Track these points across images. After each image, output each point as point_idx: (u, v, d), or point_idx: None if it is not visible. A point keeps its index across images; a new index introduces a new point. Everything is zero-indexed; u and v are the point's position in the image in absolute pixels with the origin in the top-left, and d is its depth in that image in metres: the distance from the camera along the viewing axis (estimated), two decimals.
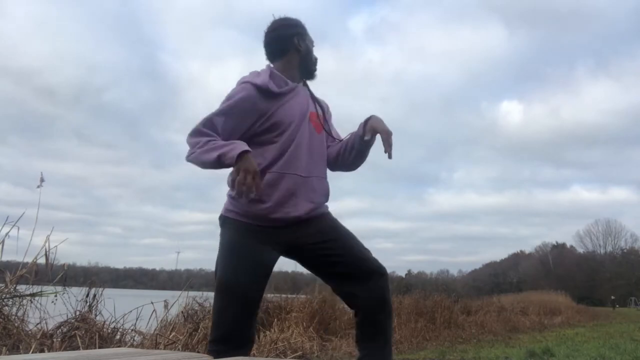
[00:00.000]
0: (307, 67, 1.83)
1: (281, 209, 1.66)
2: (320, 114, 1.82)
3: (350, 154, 1.81)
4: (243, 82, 1.70)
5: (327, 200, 1.81)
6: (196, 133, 1.62)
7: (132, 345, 3.27)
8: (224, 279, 1.65)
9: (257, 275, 1.67)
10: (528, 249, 58.33)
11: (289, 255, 1.77)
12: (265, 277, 1.71)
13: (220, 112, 1.64)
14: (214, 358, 1.43)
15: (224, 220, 1.73)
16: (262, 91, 1.67)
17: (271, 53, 1.82)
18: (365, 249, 1.76)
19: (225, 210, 1.73)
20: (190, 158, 1.62)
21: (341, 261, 1.70)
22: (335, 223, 1.79)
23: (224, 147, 1.55)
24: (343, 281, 1.72)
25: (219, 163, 1.55)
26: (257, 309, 1.72)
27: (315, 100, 1.84)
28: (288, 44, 1.79)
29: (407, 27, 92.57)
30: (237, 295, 1.62)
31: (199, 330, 3.83)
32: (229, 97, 1.67)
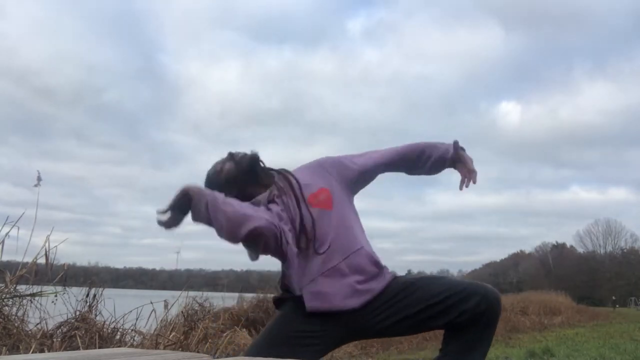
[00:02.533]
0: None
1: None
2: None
3: (425, 162, 1.76)
4: None
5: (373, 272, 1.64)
6: None
7: (132, 345, 3.27)
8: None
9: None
10: (528, 249, 58.38)
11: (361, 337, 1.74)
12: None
13: None
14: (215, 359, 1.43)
15: None
16: None
17: None
18: (452, 282, 1.63)
19: None
20: None
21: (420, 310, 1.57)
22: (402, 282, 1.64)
23: None
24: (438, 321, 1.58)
25: None
26: None
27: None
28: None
29: (405, 28, 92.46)
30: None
31: (199, 330, 3.83)
32: None
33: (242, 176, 1.68)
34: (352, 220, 1.68)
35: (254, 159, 1.71)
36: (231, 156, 1.72)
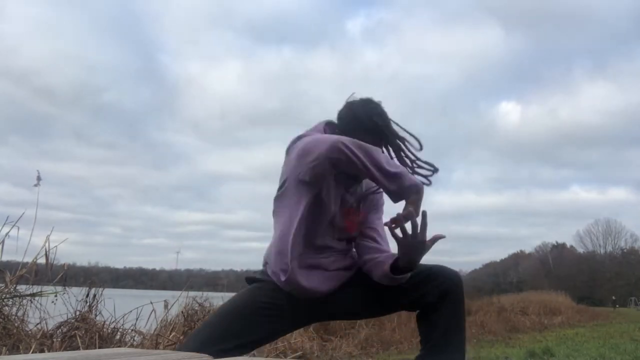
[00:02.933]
0: None
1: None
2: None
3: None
4: None
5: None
6: None
7: (132, 345, 3.27)
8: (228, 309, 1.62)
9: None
10: (528, 249, 58.40)
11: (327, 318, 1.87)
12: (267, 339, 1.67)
13: None
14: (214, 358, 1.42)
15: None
16: None
17: None
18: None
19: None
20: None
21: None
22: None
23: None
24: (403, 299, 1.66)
25: None
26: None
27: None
28: None
29: (404, 28, 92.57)
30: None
31: None
32: None
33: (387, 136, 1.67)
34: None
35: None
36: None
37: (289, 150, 1.64)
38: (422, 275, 1.61)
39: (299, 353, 4.36)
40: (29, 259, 3.17)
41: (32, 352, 2.62)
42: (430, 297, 1.60)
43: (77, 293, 3.44)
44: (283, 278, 1.56)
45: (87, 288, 3.50)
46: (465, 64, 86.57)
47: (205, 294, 4.86)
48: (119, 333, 3.34)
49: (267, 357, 3.83)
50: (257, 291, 1.65)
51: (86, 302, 3.42)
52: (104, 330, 3.25)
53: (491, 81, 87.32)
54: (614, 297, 38.61)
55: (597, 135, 72.07)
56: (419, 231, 1.48)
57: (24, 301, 3.09)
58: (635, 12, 67.95)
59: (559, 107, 77.65)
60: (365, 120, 1.65)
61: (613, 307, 33.16)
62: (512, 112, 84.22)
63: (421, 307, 1.67)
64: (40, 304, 3.17)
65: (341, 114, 1.71)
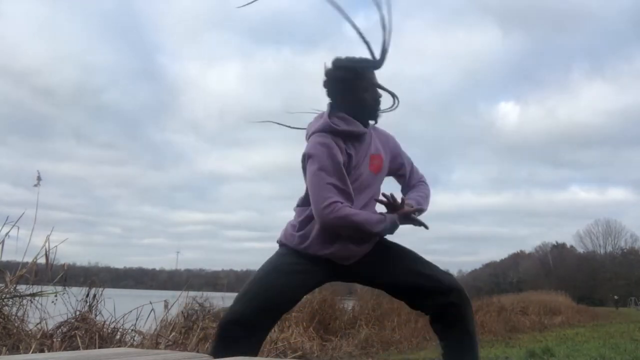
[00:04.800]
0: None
1: (327, 249, 1.74)
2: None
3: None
4: None
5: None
6: None
7: (132, 345, 3.27)
8: (260, 282, 1.73)
9: (295, 291, 1.76)
10: (528, 249, 58.30)
11: (347, 279, 1.90)
12: (302, 294, 1.83)
13: None
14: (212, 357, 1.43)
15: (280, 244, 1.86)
16: None
17: None
18: (430, 266, 1.81)
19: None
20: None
21: (403, 280, 1.76)
22: (391, 245, 1.86)
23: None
24: (412, 297, 1.79)
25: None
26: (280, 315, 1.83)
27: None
28: None
29: (403, 29, 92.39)
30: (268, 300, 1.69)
31: (199, 330, 3.83)
32: None
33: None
34: (378, 194, 1.83)
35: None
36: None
37: (304, 167, 1.78)
38: (432, 284, 1.75)
39: (299, 353, 4.36)
40: (29, 259, 3.17)
41: (32, 352, 2.62)
42: (440, 308, 1.74)
43: (77, 293, 3.44)
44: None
45: (87, 288, 3.50)
46: (464, 65, 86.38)
47: (205, 294, 4.86)
48: (119, 333, 3.34)
49: (267, 357, 3.83)
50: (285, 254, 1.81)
51: (86, 302, 3.42)
52: (104, 330, 3.25)
53: (490, 82, 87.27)
54: (616, 297, 38.54)
55: (596, 135, 72.05)
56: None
57: (24, 301, 3.09)
58: (633, 12, 67.90)
59: (557, 108, 77.58)
60: (334, 80, 1.82)
61: (615, 307, 33.09)
62: (511, 112, 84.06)
63: (431, 314, 1.79)
64: (40, 304, 3.17)
65: (324, 85, 1.86)
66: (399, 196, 1.80)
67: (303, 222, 1.78)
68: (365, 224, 1.68)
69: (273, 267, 1.77)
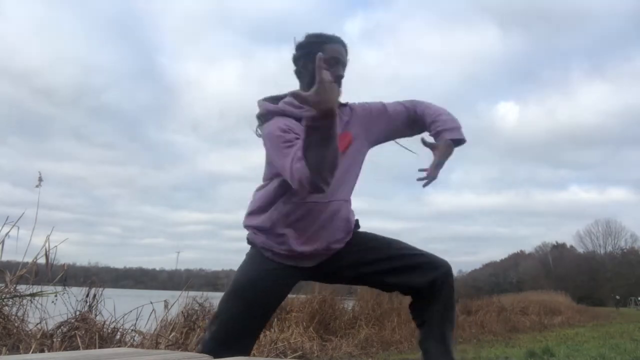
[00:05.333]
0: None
1: (299, 242, 1.67)
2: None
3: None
4: None
5: (350, 226, 1.76)
6: None
7: (132, 345, 3.27)
8: (240, 285, 1.73)
9: (274, 294, 1.73)
10: (528, 249, 58.27)
11: (324, 280, 1.87)
12: (281, 298, 1.78)
13: None
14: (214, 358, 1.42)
15: (251, 244, 1.79)
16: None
17: None
18: (409, 247, 1.77)
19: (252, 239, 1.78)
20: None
21: (385, 262, 1.71)
22: (364, 234, 1.80)
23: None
24: (393, 277, 1.72)
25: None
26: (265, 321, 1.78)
27: None
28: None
29: (402, 30, 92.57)
30: (251, 304, 1.67)
31: (199, 330, 3.83)
32: None
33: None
34: (353, 173, 1.75)
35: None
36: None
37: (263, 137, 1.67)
38: (412, 262, 1.71)
39: (299, 353, 4.36)
40: (29, 259, 3.17)
41: (32, 352, 2.62)
42: (420, 284, 1.70)
43: (77, 293, 3.44)
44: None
45: (87, 288, 3.50)
46: (463, 65, 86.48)
47: (205, 294, 4.86)
48: (119, 333, 3.34)
49: (267, 357, 3.83)
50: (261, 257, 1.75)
51: (86, 302, 3.42)
52: (104, 330, 3.25)
53: (489, 82, 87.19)
54: (617, 297, 38.50)
55: (595, 135, 72.04)
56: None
57: (24, 301, 3.09)
58: (633, 12, 67.88)
59: (557, 108, 77.58)
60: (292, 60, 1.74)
61: (616, 307, 33.04)
62: (511, 112, 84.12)
63: (412, 294, 1.76)
64: (40, 304, 3.17)
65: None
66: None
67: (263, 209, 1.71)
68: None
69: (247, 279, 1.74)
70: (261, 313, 1.71)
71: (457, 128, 1.77)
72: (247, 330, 1.67)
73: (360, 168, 1.78)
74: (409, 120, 1.83)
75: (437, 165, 1.72)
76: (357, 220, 1.81)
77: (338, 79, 1.64)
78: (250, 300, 1.67)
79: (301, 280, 1.79)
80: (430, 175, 1.72)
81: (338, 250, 1.72)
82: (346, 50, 1.73)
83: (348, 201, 1.76)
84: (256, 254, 1.75)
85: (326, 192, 1.52)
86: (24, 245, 3.15)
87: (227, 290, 1.75)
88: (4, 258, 3.17)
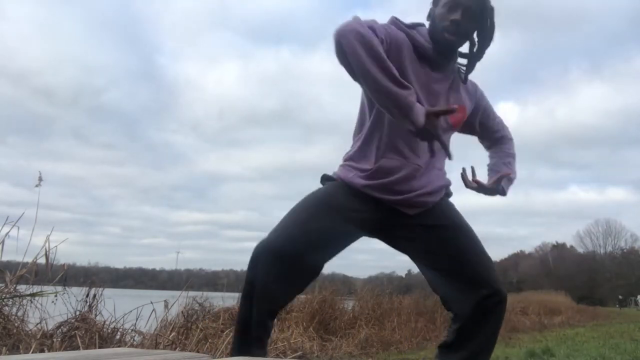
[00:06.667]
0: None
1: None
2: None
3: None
4: None
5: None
6: None
7: (132, 345, 3.27)
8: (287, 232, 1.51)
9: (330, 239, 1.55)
10: (528, 249, 58.37)
11: (382, 235, 1.67)
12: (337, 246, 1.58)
13: None
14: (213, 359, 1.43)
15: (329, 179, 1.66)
16: None
17: None
18: (486, 258, 1.63)
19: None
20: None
21: (453, 259, 1.58)
22: (454, 211, 1.70)
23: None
24: (449, 281, 1.59)
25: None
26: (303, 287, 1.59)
27: None
28: None
29: None
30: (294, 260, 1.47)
31: (199, 330, 3.83)
32: None
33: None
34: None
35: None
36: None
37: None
38: (468, 279, 1.56)
39: (299, 353, 4.36)
40: (29, 259, 3.17)
41: (32, 352, 2.62)
42: (470, 308, 1.57)
43: (77, 293, 3.44)
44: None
45: (87, 288, 3.50)
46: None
47: (205, 293, 4.87)
48: (119, 333, 3.34)
49: (267, 357, 3.82)
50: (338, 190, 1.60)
51: (86, 302, 3.42)
52: (104, 330, 3.25)
53: (488, 82, 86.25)
54: (620, 296, 38.49)
55: (595, 135, 72.20)
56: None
57: (24, 301, 3.08)
58: (631, 12, 67.92)
59: (556, 108, 77.76)
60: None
61: (619, 307, 32.98)
62: (510, 112, 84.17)
63: (450, 310, 1.65)
64: (40, 304, 3.17)
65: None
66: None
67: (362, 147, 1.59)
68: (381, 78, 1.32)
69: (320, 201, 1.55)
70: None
71: (512, 182, 1.78)
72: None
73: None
74: (481, 127, 1.84)
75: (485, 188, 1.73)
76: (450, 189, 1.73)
77: (453, 23, 1.52)
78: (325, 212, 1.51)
79: (370, 224, 1.60)
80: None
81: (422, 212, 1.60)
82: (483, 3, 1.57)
83: (442, 171, 1.70)
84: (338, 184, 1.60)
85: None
86: (24, 245, 3.15)
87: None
88: (4, 258, 3.17)
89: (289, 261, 1.44)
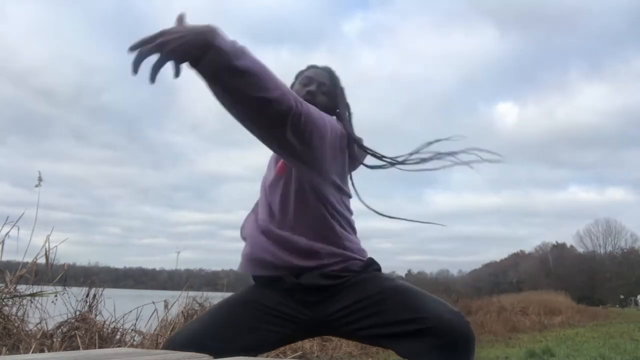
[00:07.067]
0: None
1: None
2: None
3: None
4: None
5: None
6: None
7: (132, 345, 3.27)
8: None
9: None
10: (528, 249, 58.32)
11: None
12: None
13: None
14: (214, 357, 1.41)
15: None
16: None
17: None
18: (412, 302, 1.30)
19: None
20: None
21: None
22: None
23: None
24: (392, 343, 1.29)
25: None
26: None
27: None
28: None
29: (401, 30, 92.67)
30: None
31: None
32: None
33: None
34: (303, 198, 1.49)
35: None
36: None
37: None
38: (416, 325, 1.26)
39: (299, 353, 4.36)
40: (29, 259, 3.17)
41: (32, 352, 2.62)
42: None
43: (77, 293, 3.44)
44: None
45: (87, 288, 3.50)
46: (462, 65, 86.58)
47: (205, 293, 4.87)
48: (119, 333, 3.34)
49: (267, 357, 3.82)
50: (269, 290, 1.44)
51: (86, 302, 3.42)
52: (104, 330, 3.25)
53: (488, 82, 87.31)
54: (622, 296, 38.51)
55: (594, 135, 72.18)
56: None
57: (24, 301, 3.08)
58: (630, 13, 67.94)
59: (556, 108, 77.71)
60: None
61: (621, 307, 32.98)
62: (510, 112, 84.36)
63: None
64: (40, 304, 3.17)
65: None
66: None
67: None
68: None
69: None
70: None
71: None
72: None
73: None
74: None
75: None
76: (371, 259, 1.48)
77: (309, 93, 1.53)
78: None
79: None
80: None
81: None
82: (330, 75, 1.61)
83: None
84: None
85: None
86: (24, 245, 3.15)
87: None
88: (4, 258, 3.17)
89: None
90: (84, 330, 3.14)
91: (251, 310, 1.41)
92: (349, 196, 1.52)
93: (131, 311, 3.50)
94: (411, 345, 1.27)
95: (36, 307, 3.16)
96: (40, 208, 3.35)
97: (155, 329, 3.60)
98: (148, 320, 3.61)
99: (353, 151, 1.52)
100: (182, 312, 4.12)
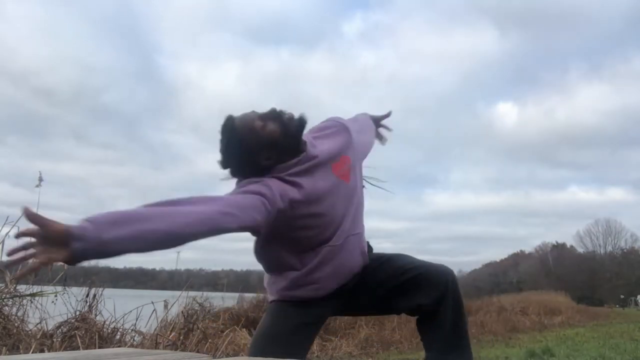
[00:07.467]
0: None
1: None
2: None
3: None
4: None
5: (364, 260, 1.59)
6: None
7: (132, 345, 3.27)
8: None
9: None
10: (528, 249, 58.32)
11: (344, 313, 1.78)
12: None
13: None
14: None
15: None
16: None
17: None
18: (411, 260, 1.62)
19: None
20: None
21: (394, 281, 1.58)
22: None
23: None
24: (401, 299, 1.59)
25: None
26: None
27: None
28: None
29: (401, 30, 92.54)
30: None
31: (199, 330, 3.83)
32: None
33: (285, 142, 1.40)
34: (361, 196, 1.61)
35: (302, 125, 1.44)
36: (277, 115, 1.42)
37: None
38: (413, 279, 1.56)
39: None
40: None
41: (32, 352, 2.62)
42: (427, 303, 1.54)
43: (77, 293, 3.44)
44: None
45: (87, 288, 3.50)
46: (461, 65, 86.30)
47: (205, 294, 4.87)
48: (119, 333, 3.34)
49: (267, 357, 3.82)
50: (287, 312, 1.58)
51: (86, 302, 3.42)
52: (104, 330, 3.25)
53: (488, 82, 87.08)
54: (622, 296, 38.51)
55: (594, 135, 72.07)
56: None
57: (24, 301, 3.09)
58: (630, 13, 67.90)
59: (555, 108, 77.58)
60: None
61: (622, 307, 32.96)
62: (509, 112, 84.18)
63: (420, 313, 1.61)
64: (40, 304, 3.17)
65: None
66: None
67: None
68: None
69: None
70: None
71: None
72: None
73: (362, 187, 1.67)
74: None
75: None
76: (368, 243, 1.67)
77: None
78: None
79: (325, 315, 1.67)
80: None
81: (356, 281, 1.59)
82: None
83: (359, 233, 1.60)
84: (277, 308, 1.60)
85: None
86: None
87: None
88: (4, 258, 3.18)
89: None
90: (84, 330, 3.14)
91: (300, 336, 1.55)
92: None
93: (131, 311, 3.50)
94: (411, 294, 1.56)
95: (36, 307, 3.16)
96: (41, 208, 3.35)
97: (155, 329, 3.60)
98: (148, 320, 3.61)
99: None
100: (182, 312, 4.12)
